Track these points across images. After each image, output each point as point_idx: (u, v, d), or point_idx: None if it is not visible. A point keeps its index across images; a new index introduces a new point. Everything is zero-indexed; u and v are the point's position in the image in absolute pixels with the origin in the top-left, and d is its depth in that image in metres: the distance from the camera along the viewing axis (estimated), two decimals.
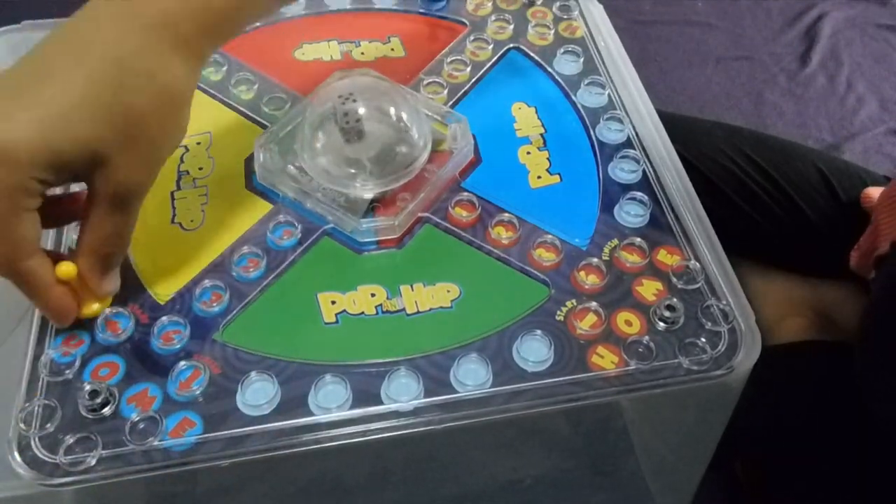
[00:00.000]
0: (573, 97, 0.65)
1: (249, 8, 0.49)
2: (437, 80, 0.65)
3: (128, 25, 0.44)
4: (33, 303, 0.47)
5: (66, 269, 0.46)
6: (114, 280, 0.49)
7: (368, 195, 0.55)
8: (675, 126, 0.64)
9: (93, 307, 0.49)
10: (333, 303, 0.51)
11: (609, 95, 0.65)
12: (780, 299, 0.89)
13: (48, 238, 0.54)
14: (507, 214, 0.56)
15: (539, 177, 0.59)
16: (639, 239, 0.55)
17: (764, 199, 0.86)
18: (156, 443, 0.45)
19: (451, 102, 0.64)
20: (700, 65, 1.60)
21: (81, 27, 0.44)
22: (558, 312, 0.51)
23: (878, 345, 0.67)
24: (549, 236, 0.55)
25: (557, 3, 0.73)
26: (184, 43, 0.45)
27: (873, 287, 0.73)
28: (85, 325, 0.50)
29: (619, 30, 0.70)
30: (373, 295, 0.52)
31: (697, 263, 0.54)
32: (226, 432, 0.45)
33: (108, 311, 0.50)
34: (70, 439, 0.44)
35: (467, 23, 0.71)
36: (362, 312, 0.51)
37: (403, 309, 0.51)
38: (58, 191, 0.51)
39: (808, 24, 1.67)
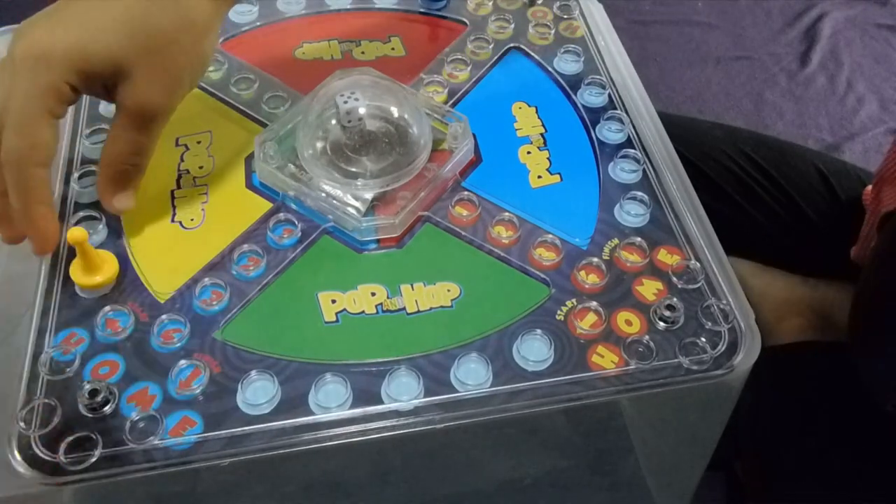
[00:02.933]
0: (573, 97, 0.65)
1: None
2: (437, 79, 0.65)
3: None
4: (22, 217, 0.49)
5: (77, 233, 0.48)
6: (126, 199, 0.52)
7: (369, 194, 0.55)
8: (676, 126, 0.64)
9: (95, 279, 0.50)
10: (334, 302, 0.51)
11: (609, 95, 0.65)
12: (780, 300, 0.89)
13: None
14: (507, 214, 0.56)
15: (539, 176, 0.59)
16: (639, 238, 0.55)
17: (764, 198, 0.86)
18: (156, 442, 0.45)
19: (451, 102, 0.64)
20: (700, 65, 1.60)
21: None
22: (558, 312, 0.51)
23: (880, 301, 0.67)
24: (550, 236, 0.55)
25: (558, 3, 0.73)
26: None
27: (875, 244, 0.73)
28: (84, 323, 0.49)
29: (619, 30, 0.70)
30: (373, 294, 0.52)
31: (697, 263, 0.54)
32: (226, 431, 0.45)
33: (107, 308, 0.50)
34: (70, 438, 0.44)
35: (468, 22, 0.71)
36: (363, 311, 0.51)
37: (404, 308, 0.51)
38: None
39: (808, 24, 1.67)
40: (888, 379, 0.65)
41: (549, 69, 0.67)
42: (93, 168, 0.57)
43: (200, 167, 0.59)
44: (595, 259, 0.54)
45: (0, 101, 0.47)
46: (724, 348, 0.50)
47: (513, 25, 0.70)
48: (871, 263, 0.72)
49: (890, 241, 0.69)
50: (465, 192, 0.57)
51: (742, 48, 1.64)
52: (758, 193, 0.87)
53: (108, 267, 0.51)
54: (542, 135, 0.62)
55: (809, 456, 0.73)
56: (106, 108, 0.62)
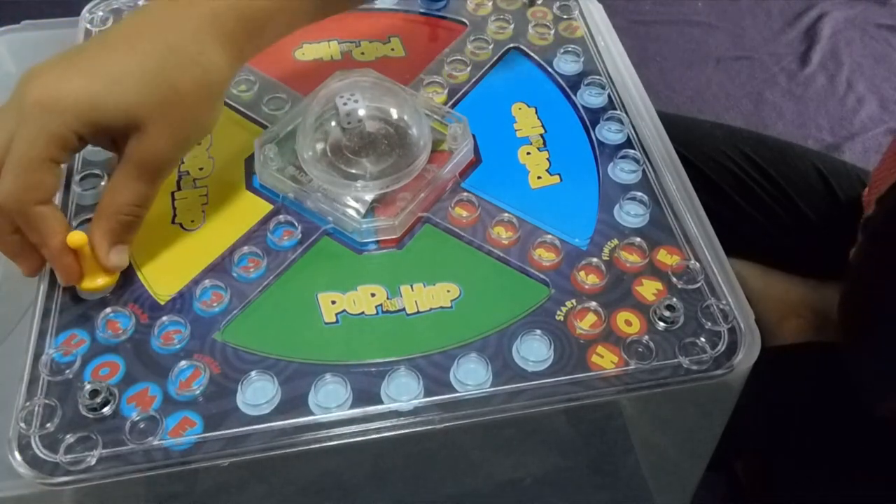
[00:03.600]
0: (573, 97, 0.65)
1: (288, 15, 0.54)
2: (437, 79, 0.65)
3: (180, 17, 0.49)
4: (44, 252, 0.49)
5: (77, 236, 0.48)
6: (121, 255, 0.50)
7: (369, 195, 0.55)
8: (676, 126, 0.64)
9: (96, 281, 0.50)
10: (333, 303, 0.52)
11: (609, 95, 0.65)
12: (780, 301, 0.89)
13: None
14: (506, 214, 0.56)
15: (539, 177, 0.59)
16: (638, 239, 0.55)
17: (764, 198, 0.87)
18: (156, 442, 0.45)
19: (451, 102, 0.64)
20: (700, 65, 1.60)
21: (141, 17, 0.50)
22: (558, 312, 0.51)
23: (863, 297, 0.68)
24: (549, 236, 0.55)
25: (557, 3, 0.73)
26: (226, 37, 0.50)
27: (857, 245, 0.73)
28: (85, 324, 0.50)
29: (619, 30, 0.70)
30: (373, 295, 0.52)
31: (697, 263, 0.54)
32: (226, 432, 0.45)
33: (108, 310, 0.50)
34: (70, 438, 0.44)
35: (467, 23, 0.71)
36: (362, 312, 0.51)
37: (403, 309, 0.51)
38: None
39: (808, 24, 1.67)
40: (876, 380, 0.65)
41: (549, 69, 0.67)
42: (95, 171, 0.57)
43: (200, 168, 0.59)
44: (595, 259, 0.54)
45: (3, 142, 0.46)
46: (723, 348, 0.50)
47: (512, 26, 0.70)
48: (853, 264, 0.72)
49: (870, 243, 0.69)
50: (465, 193, 0.57)
51: (742, 48, 1.64)
52: (757, 194, 0.87)
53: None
54: (541, 135, 0.62)
55: (809, 456, 0.73)
56: None
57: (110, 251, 0.50)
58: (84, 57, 0.48)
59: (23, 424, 0.45)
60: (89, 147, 0.58)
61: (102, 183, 0.57)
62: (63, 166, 0.48)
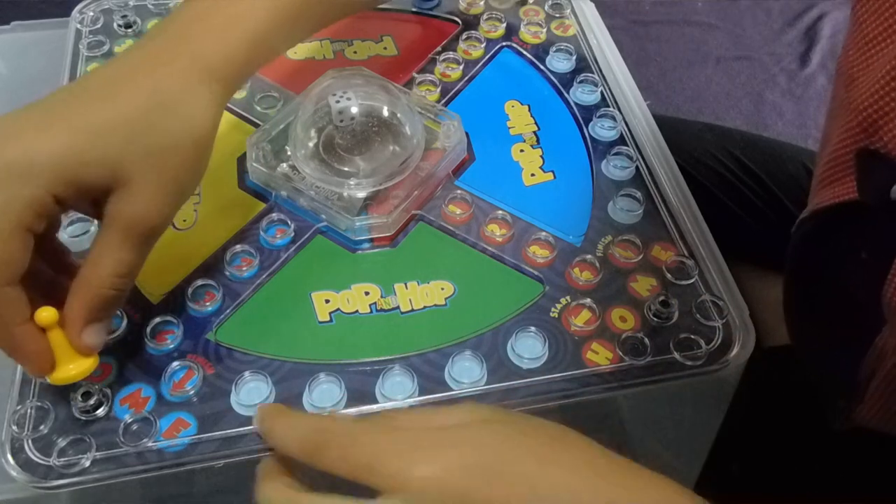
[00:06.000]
0: (566, 95, 0.65)
1: (267, 50, 0.50)
2: (429, 78, 0.65)
3: (164, 62, 0.45)
4: (4, 344, 0.42)
5: (48, 313, 0.42)
6: (97, 334, 0.44)
7: (362, 193, 0.55)
8: (665, 129, 0.64)
9: (69, 370, 0.44)
10: (327, 301, 0.51)
11: (602, 93, 0.65)
12: (779, 302, 0.89)
13: None
14: (500, 212, 0.56)
15: (532, 174, 0.59)
16: (632, 235, 0.55)
17: (754, 201, 0.86)
18: (150, 444, 0.45)
19: (444, 101, 0.64)
20: (700, 65, 1.60)
21: (124, 61, 0.46)
22: (552, 309, 0.51)
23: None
24: (543, 233, 0.55)
25: (549, 2, 0.73)
26: (215, 75, 0.46)
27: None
28: None
29: (619, 29, 0.71)
30: (367, 293, 0.52)
31: (691, 259, 0.54)
32: (220, 433, 0.45)
33: None
34: (63, 441, 0.44)
35: (459, 21, 0.71)
36: (356, 311, 0.51)
37: (398, 307, 0.51)
38: None
39: (808, 24, 1.67)
40: (825, 382, 0.65)
41: (542, 67, 0.67)
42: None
43: None
44: (589, 256, 0.53)
45: None
46: (718, 343, 0.50)
47: (505, 24, 0.70)
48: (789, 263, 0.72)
49: (801, 246, 0.69)
50: (459, 191, 0.57)
51: (742, 48, 1.64)
52: (747, 197, 0.86)
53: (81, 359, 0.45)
54: (534, 133, 0.62)
55: (808, 456, 0.73)
56: None
57: (84, 330, 0.43)
58: (60, 108, 0.43)
59: (15, 427, 0.45)
60: None
61: (93, 227, 0.55)
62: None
